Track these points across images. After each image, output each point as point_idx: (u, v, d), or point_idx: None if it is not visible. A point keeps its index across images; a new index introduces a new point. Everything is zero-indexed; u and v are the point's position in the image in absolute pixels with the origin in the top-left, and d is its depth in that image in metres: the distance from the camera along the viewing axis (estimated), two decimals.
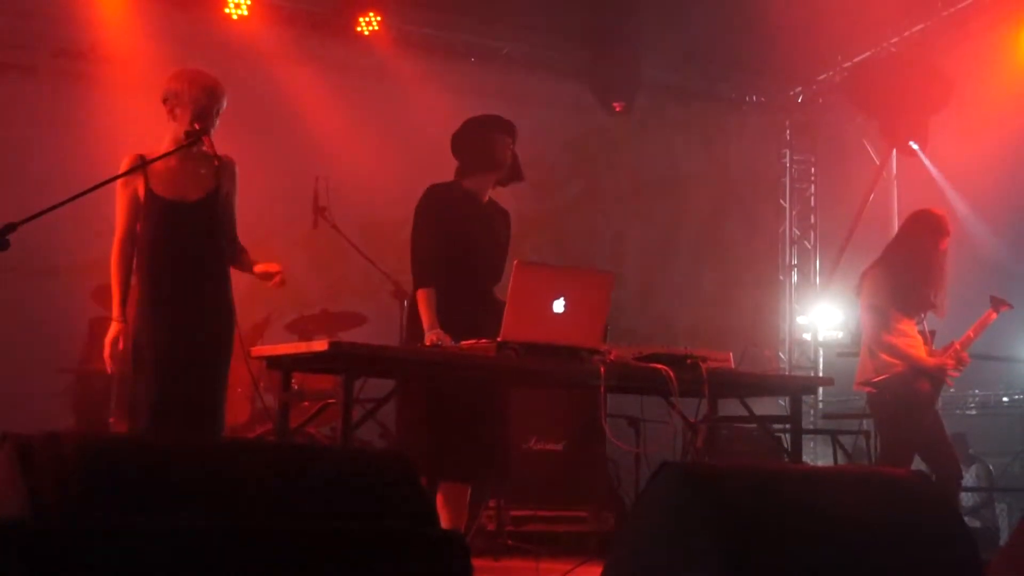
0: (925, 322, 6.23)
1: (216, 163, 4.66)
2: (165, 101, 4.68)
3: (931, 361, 6.08)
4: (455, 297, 5.02)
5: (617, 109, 9.66)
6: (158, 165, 4.57)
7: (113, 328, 4.55)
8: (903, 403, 6.01)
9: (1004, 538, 7.95)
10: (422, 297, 4.97)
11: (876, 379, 6.08)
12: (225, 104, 4.69)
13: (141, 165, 4.52)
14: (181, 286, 4.61)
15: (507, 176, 5.31)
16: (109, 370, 4.58)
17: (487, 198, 5.31)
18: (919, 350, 6.08)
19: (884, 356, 6.06)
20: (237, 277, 4.70)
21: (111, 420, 6.52)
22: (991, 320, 6.24)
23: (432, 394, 4.95)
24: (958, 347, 6.16)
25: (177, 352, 4.55)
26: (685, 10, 8.98)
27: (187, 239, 4.65)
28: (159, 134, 4.72)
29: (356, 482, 2.61)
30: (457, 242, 5.12)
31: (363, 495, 2.57)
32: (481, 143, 5.24)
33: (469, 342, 4.61)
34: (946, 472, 5.97)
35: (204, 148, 4.62)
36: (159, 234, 4.61)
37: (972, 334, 6.21)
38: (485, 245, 5.25)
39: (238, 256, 4.81)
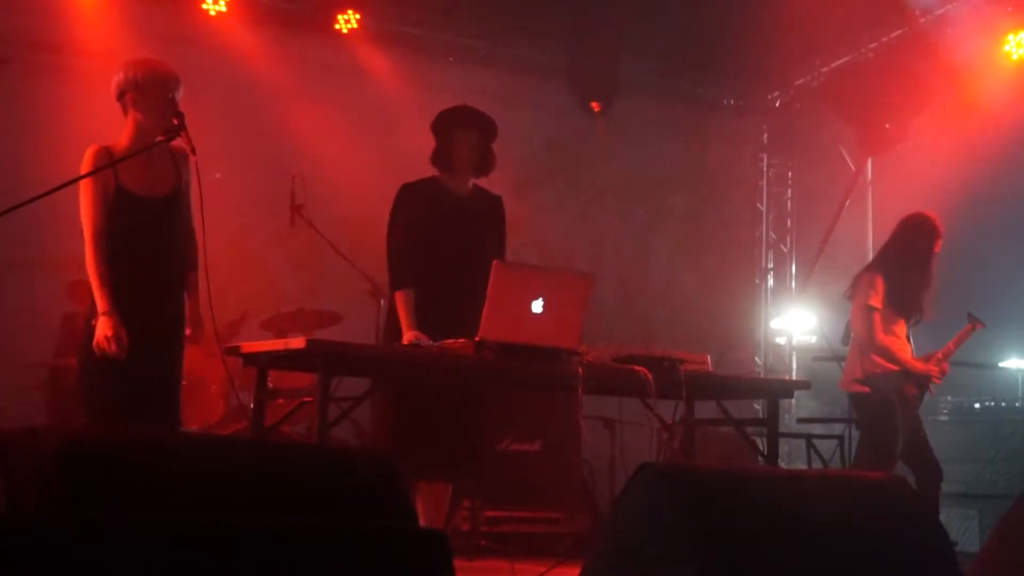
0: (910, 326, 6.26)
1: (173, 155, 4.62)
2: (124, 92, 4.56)
3: (920, 366, 6.11)
4: (432, 296, 4.99)
5: (595, 109, 9.63)
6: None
7: (108, 323, 4.33)
8: (891, 404, 6.02)
9: (978, 545, 7.98)
10: (399, 299, 4.94)
11: (865, 378, 6.10)
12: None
13: (116, 161, 4.41)
14: (150, 279, 4.53)
15: (474, 170, 5.21)
16: (123, 356, 4.32)
17: (469, 189, 5.24)
18: (908, 353, 6.11)
19: (875, 357, 6.07)
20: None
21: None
22: (969, 335, 6.27)
23: (410, 393, 4.92)
24: (940, 357, 6.20)
25: (147, 341, 4.44)
26: (664, 12, 8.99)
27: (156, 234, 4.56)
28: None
29: (334, 480, 2.60)
30: (430, 240, 5.07)
31: (342, 493, 2.55)
32: (440, 140, 5.18)
33: (448, 341, 4.59)
34: (927, 477, 5.99)
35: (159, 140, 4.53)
36: (130, 230, 4.50)
37: (952, 347, 6.25)
38: (460, 239, 5.14)
39: (192, 258, 4.72)
